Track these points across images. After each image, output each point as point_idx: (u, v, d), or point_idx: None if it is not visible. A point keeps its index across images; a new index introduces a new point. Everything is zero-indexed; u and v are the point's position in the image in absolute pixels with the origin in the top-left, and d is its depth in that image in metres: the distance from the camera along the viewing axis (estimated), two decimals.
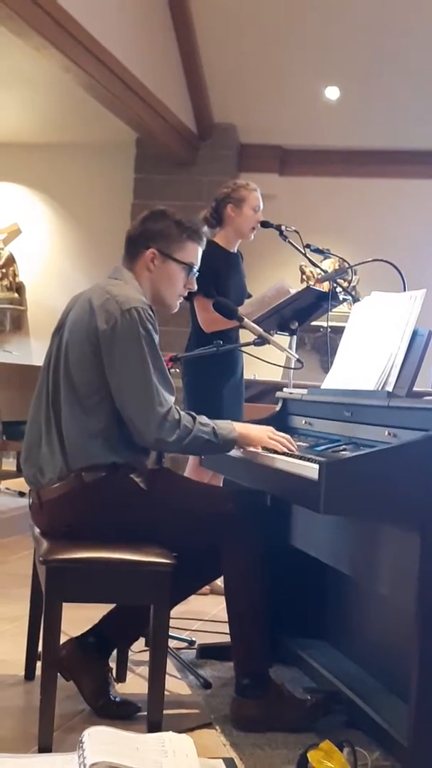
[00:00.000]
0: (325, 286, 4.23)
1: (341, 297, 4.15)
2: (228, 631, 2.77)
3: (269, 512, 2.94)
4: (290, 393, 3.39)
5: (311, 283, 7.75)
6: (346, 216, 8.77)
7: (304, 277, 8.64)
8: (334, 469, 2.19)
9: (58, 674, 2.51)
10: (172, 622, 2.80)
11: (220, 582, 2.87)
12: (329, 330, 4.02)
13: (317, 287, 4.22)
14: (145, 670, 2.77)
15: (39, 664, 2.54)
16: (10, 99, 8.50)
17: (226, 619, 2.76)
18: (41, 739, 2.40)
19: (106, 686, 2.74)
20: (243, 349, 3.81)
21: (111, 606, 2.89)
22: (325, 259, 5.87)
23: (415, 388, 2.64)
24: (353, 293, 4.59)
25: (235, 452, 2.89)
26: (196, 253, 2.86)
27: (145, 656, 2.80)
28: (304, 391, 3.28)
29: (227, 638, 2.80)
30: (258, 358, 3.25)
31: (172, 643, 3.17)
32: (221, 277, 4.30)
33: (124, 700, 2.74)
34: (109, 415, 2.65)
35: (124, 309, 2.63)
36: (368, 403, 2.65)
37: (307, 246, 4.28)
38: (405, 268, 3.64)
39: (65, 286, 8.56)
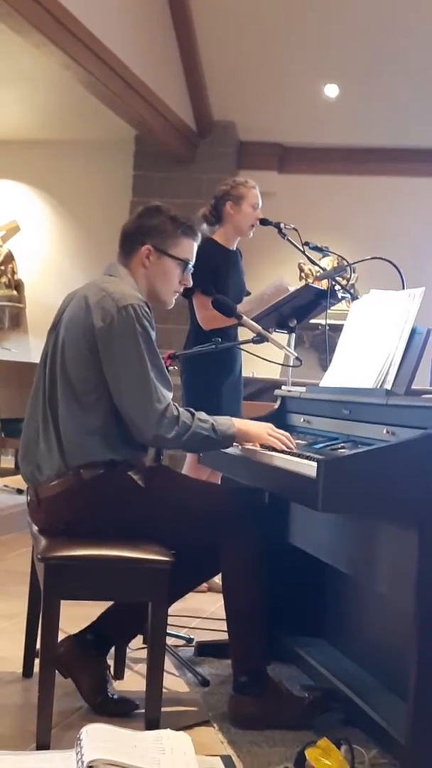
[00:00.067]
0: (323, 284, 4.23)
1: (340, 295, 4.15)
2: (226, 629, 2.76)
3: (267, 510, 2.94)
4: (289, 391, 3.39)
5: (310, 281, 7.75)
6: (346, 214, 8.76)
7: (302, 274, 8.63)
8: (333, 466, 2.18)
9: (56, 671, 2.52)
10: (170, 620, 2.80)
11: (218, 579, 2.87)
12: (328, 328, 4.02)
13: (316, 285, 4.22)
14: (143, 668, 2.77)
15: (37, 661, 2.54)
16: (10, 96, 8.49)
17: (224, 617, 2.76)
18: (39, 737, 2.40)
19: (104, 683, 2.74)
20: (242, 346, 3.81)
21: (109, 603, 2.89)
22: (324, 257, 5.86)
23: (413, 386, 2.64)
24: (352, 291, 4.59)
25: (233, 450, 2.89)
26: (191, 248, 2.86)
27: (143, 654, 2.79)
28: (303, 388, 3.28)
29: (225, 636, 2.79)
30: (257, 356, 3.26)
31: (170, 641, 3.17)
32: (220, 274, 4.30)
33: (122, 698, 2.74)
34: (106, 412, 2.64)
35: (120, 306, 2.63)
36: (367, 401, 2.65)
37: (306, 244, 4.28)
38: (404, 266, 3.64)
39: (64, 283, 8.50)
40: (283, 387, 3.50)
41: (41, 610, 2.48)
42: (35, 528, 2.74)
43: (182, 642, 3.43)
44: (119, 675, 2.99)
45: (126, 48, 6.95)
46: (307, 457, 2.43)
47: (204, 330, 4.25)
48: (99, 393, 2.64)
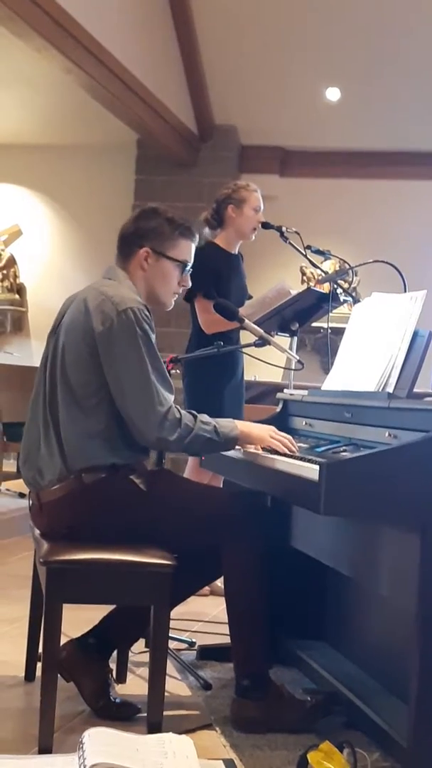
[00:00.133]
0: (325, 288, 4.24)
1: (342, 298, 4.15)
2: (228, 632, 2.77)
3: (269, 513, 2.94)
4: (291, 394, 3.39)
5: (312, 284, 7.78)
6: (347, 217, 8.77)
7: (304, 278, 8.64)
8: (335, 470, 2.18)
9: (59, 675, 2.51)
10: (172, 623, 2.79)
11: (220, 583, 2.87)
12: (330, 331, 4.03)
13: (318, 288, 4.23)
14: (145, 671, 2.77)
15: (39, 665, 2.54)
16: (11, 100, 8.51)
17: (226, 620, 2.75)
18: (41, 741, 2.40)
19: (106, 687, 2.74)
20: (243, 350, 3.81)
21: (111, 607, 2.89)
22: (325, 260, 5.87)
23: (415, 390, 2.64)
24: (354, 294, 4.59)
25: (235, 453, 2.89)
26: (189, 250, 2.86)
27: (146, 657, 2.80)
28: (305, 392, 3.28)
29: (227, 639, 2.80)
30: (258, 360, 3.25)
31: (172, 644, 3.17)
32: (222, 278, 4.31)
33: (124, 701, 2.74)
34: (108, 415, 2.64)
35: (120, 310, 2.63)
36: (369, 405, 2.65)
37: (308, 247, 4.28)
38: (405, 269, 3.64)
39: (66, 287, 8.49)
40: (285, 390, 3.50)
41: (43, 613, 2.48)
42: (37, 532, 2.74)
43: (184, 645, 3.43)
44: (121, 679, 2.99)
45: (127, 51, 6.96)
46: (309, 461, 2.43)
47: (206, 334, 4.25)
48: (100, 397, 2.64)
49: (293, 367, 3.64)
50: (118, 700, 2.73)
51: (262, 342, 3.20)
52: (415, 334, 2.70)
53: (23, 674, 2.99)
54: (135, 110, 7.52)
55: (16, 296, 9.62)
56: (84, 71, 6.61)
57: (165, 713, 2.52)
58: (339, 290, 4.11)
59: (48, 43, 6.10)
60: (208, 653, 3.33)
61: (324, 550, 2.84)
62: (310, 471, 2.28)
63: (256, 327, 3.27)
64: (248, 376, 4.76)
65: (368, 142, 8.62)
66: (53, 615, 2.45)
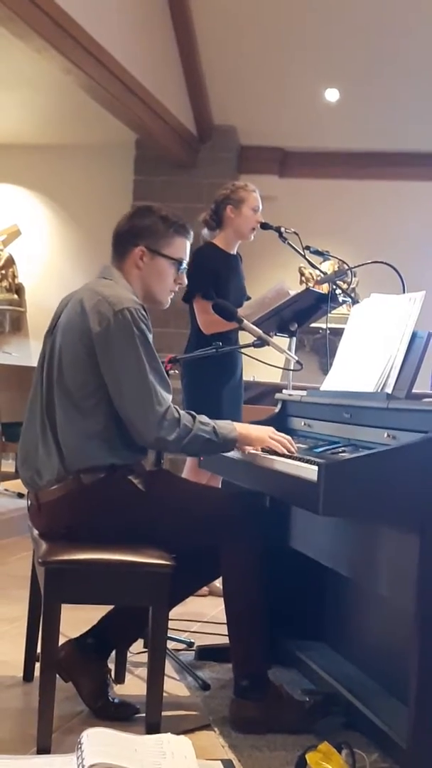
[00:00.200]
0: (324, 288, 4.24)
1: (341, 299, 4.15)
2: (227, 633, 2.76)
3: (268, 513, 2.94)
4: (289, 395, 3.39)
5: (311, 284, 7.77)
6: (346, 218, 8.77)
7: (303, 278, 8.64)
8: (333, 470, 2.19)
9: (57, 675, 2.51)
10: (170, 624, 2.80)
11: (218, 583, 2.87)
12: (328, 332, 4.03)
13: (317, 289, 4.23)
14: (143, 672, 2.77)
15: (38, 665, 2.54)
16: (11, 100, 8.50)
17: (225, 621, 2.75)
18: (40, 741, 2.40)
19: (104, 687, 2.74)
20: (242, 350, 3.81)
21: (109, 607, 2.89)
22: (324, 260, 5.84)
23: (414, 390, 2.64)
24: (353, 295, 4.59)
25: (234, 453, 2.89)
26: (184, 247, 2.86)
27: (144, 658, 2.79)
28: (304, 392, 3.28)
29: (226, 640, 2.79)
30: (257, 360, 3.25)
31: (170, 645, 3.17)
32: (221, 279, 4.31)
33: (122, 702, 2.74)
34: (106, 416, 2.64)
35: (116, 310, 2.62)
36: (367, 405, 2.65)
37: (307, 248, 4.28)
38: (404, 270, 3.64)
39: (65, 287, 8.47)
40: (283, 391, 3.50)
41: (42, 614, 2.48)
42: (36, 532, 2.73)
43: (183, 646, 3.43)
44: (120, 679, 2.99)
45: (126, 52, 6.96)
46: (308, 461, 2.43)
47: (205, 334, 4.25)
48: (98, 397, 2.64)
49: (292, 368, 3.64)
50: (116, 701, 2.73)
51: (260, 342, 3.20)
52: (414, 335, 2.71)
53: (21, 674, 2.99)
54: (134, 111, 7.52)
55: (15, 296, 9.61)
56: (83, 72, 6.61)
57: (163, 713, 2.52)
58: (338, 291, 4.10)
59: (48, 44, 6.09)
60: (207, 653, 3.33)
61: (323, 550, 2.84)
62: (309, 471, 2.28)
63: (254, 327, 3.27)
64: (247, 377, 4.76)
65: (368, 142, 8.61)
66: (52, 615, 2.45)
